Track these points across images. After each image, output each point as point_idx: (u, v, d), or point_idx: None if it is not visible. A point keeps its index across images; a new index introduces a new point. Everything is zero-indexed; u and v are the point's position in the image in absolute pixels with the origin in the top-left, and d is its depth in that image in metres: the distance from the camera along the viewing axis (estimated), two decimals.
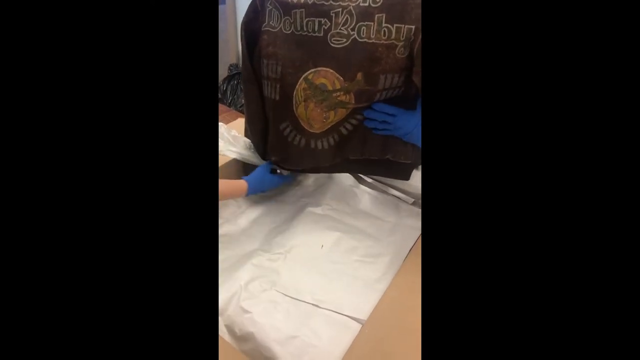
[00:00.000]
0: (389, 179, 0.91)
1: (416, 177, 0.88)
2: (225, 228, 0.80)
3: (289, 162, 0.79)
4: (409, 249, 0.75)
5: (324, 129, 0.72)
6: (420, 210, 0.85)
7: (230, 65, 1.89)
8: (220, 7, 1.77)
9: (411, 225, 0.81)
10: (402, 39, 0.61)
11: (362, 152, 0.78)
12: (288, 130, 0.74)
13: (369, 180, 0.94)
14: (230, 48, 1.93)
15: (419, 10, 0.59)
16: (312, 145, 0.75)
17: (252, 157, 0.88)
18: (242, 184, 0.78)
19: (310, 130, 0.73)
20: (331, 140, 0.75)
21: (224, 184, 0.78)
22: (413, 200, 0.89)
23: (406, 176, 0.81)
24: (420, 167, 0.86)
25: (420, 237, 0.78)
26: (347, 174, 0.93)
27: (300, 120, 0.72)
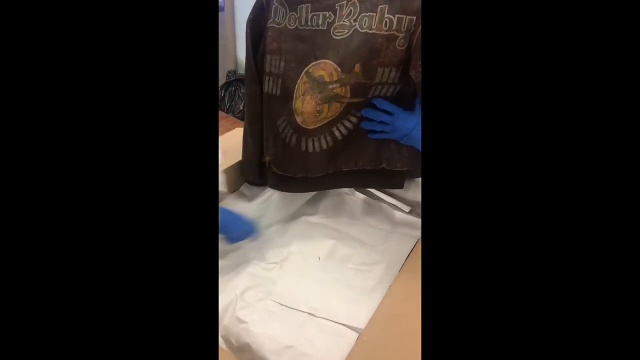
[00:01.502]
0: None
1: (412, 187, 0.89)
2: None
3: (280, 164, 0.78)
4: (404, 257, 0.76)
5: (316, 126, 0.71)
6: (415, 218, 0.86)
7: (229, 72, 1.90)
8: (219, 13, 1.78)
9: (406, 234, 0.81)
10: (402, 30, 0.61)
11: (356, 162, 0.77)
12: (283, 125, 0.74)
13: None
14: (229, 54, 1.94)
15: (419, 2, 0.59)
16: (304, 147, 0.74)
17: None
18: None
19: (303, 126, 0.72)
20: (323, 143, 0.74)
21: None
22: (410, 208, 0.89)
23: (400, 184, 0.80)
24: (415, 177, 0.87)
25: (416, 245, 0.78)
26: None
27: (296, 115, 0.71)
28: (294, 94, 0.70)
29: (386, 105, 0.69)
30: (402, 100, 0.70)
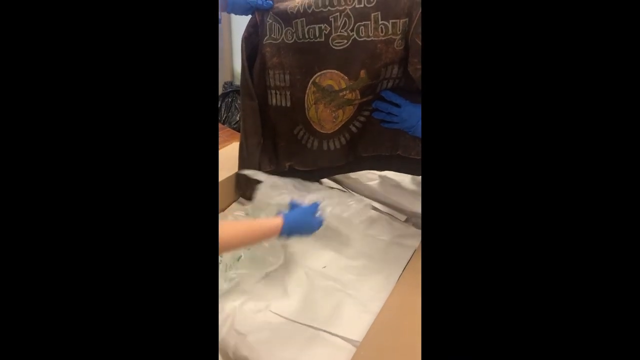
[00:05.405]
0: (382, 196, 0.92)
1: (407, 197, 0.89)
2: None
3: (303, 164, 0.83)
4: (402, 268, 0.76)
5: (335, 129, 0.77)
6: (413, 228, 0.86)
7: (225, 83, 1.91)
8: None
9: (405, 244, 0.81)
10: (398, 32, 0.64)
11: (373, 149, 0.82)
12: (302, 133, 0.78)
13: (364, 199, 0.94)
14: (225, 66, 1.95)
15: (408, 2, 0.62)
16: (325, 147, 0.79)
17: None
18: (274, 221, 0.61)
19: (322, 131, 0.77)
20: (342, 140, 0.79)
21: (253, 225, 0.61)
22: (406, 217, 0.89)
23: (418, 171, 0.84)
24: (414, 188, 0.87)
25: (414, 256, 0.78)
26: (341, 192, 0.93)
27: (312, 123, 0.76)
28: (305, 104, 0.74)
29: (393, 97, 0.74)
30: (410, 93, 0.74)
